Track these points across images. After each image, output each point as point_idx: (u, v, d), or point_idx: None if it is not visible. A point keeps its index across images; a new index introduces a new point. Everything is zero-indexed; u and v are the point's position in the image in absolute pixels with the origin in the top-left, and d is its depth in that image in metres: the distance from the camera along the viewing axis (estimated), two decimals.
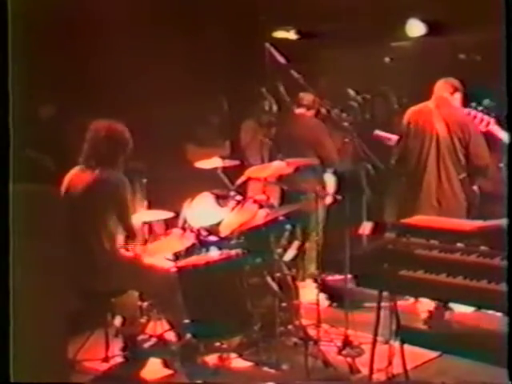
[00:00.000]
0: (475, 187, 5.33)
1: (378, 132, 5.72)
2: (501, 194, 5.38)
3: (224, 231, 4.89)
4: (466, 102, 5.23)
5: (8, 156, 3.41)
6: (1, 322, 3.34)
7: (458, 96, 5.30)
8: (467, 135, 5.11)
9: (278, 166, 4.79)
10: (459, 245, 3.58)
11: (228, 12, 6.44)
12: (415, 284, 3.55)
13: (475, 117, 4.91)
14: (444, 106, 5.27)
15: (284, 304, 4.67)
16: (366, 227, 3.97)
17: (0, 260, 3.34)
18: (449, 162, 5.17)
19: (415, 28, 6.62)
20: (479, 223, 3.69)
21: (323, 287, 5.26)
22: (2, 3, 3.35)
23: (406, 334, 4.00)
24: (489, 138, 5.03)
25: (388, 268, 3.57)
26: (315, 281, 5.16)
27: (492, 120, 4.82)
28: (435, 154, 5.18)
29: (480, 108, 4.88)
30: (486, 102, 5.02)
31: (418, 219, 3.94)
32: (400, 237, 3.72)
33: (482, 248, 3.52)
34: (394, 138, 5.54)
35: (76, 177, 4.54)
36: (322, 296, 5.32)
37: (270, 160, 5.16)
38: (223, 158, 5.30)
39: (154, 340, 4.69)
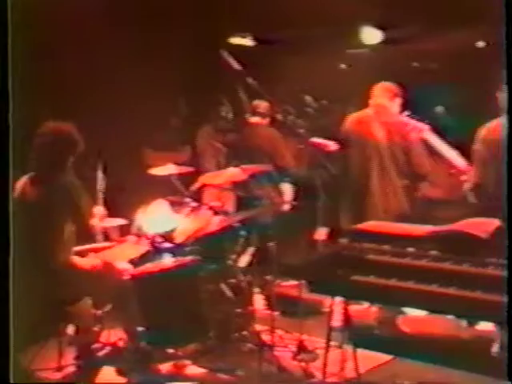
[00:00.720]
0: (418, 193, 5.35)
1: (314, 139, 5.68)
2: (451, 199, 5.52)
3: (179, 238, 4.88)
4: (405, 108, 5.21)
5: None
6: None
7: (397, 102, 5.23)
8: (407, 142, 5.07)
9: (233, 173, 4.80)
10: (410, 249, 3.63)
11: (187, 17, 6.43)
12: (367, 289, 3.58)
13: (408, 124, 4.92)
14: (383, 113, 5.21)
15: (239, 310, 4.67)
16: (322, 233, 3.99)
17: None
18: (391, 169, 5.15)
19: (370, 35, 6.69)
20: (430, 228, 3.74)
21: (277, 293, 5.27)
22: None
23: (360, 339, 4.03)
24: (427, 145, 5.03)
25: (341, 273, 3.59)
26: (268, 287, 5.17)
27: (426, 127, 4.83)
28: (377, 161, 5.16)
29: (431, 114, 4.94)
30: (439, 108, 5.08)
31: (370, 225, 3.97)
32: (353, 242, 3.75)
33: (433, 252, 3.58)
34: (333, 145, 5.44)
35: (26, 185, 4.47)
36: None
37: (226, 167, 5.16)
38: (178, 164, 5.27)
39: (108, 348, 4.64)
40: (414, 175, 5.20)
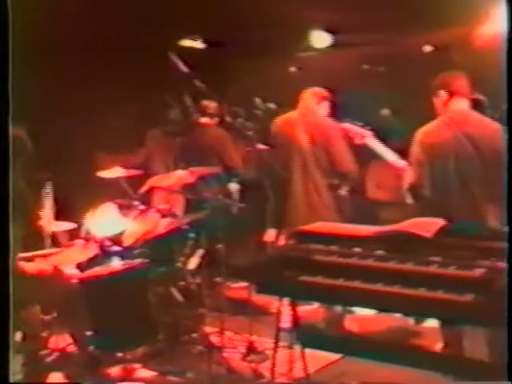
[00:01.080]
0: (343, 193, 5.44)
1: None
2: (392, 201, 5.62)
3: (127, 241, 4.85)
4: (334, 111, 5.33)
5: None
6: None
7: (325, 105, 5.33)
8: (330, 144, 5.15)
9: (181, 175, 4.80)
10: (356, 249, 3.68)
11: (137, 19, 6.40)
12: (315, 289, 3.61)
13: (351, 130, 5.00)
14: (308, 115, 5.29)
15: (188, 312, 4.67)
16: (271, 234, 4.01)
17: None
18: (314, 170, 5.20)
19: (320, 39, 6.76)
20: (376, 228, 3.79)
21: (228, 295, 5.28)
22: None
23: (308, 339, 4.06)
24: (366, 150, 5.07)
25: (288, 274, 3.62)
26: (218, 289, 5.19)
27: (369, 133, 4.91)
28: (300, 163, 5.20)
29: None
30: (385, 111, 5.14)
31: (318, 226, 4.01)
32: (300, 243, 3.79)
33: (378, 252, 3.63)
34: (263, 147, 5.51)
35: None
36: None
37: (175, 169, 5.15)
38: (126, 167, 5.24)
39: (56, 354, 4.58)
40: (339, 175, 5.27)
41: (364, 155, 5.30)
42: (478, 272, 3.29)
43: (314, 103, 5.31)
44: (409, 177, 4.39)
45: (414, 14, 5.95)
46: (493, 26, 5.28)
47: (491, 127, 4.17)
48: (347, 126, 4.77)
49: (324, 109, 5.32)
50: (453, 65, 5.69)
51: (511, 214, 3.32)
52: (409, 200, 4.39)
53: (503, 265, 3.28)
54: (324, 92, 5.36)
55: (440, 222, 3.71)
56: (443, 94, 4.31)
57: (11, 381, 3.41)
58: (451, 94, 4.30)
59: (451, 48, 6.67)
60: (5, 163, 3.41)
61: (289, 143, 5.25)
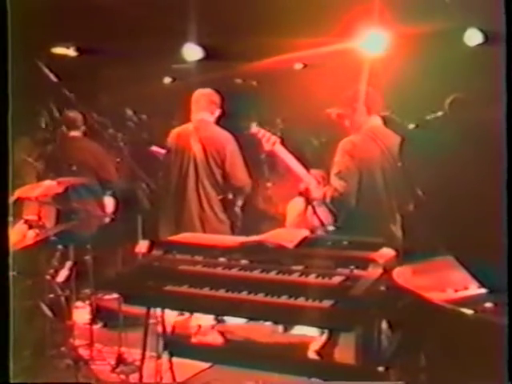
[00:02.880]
0: (237, 207, 5.53)
1: (153, 147, 5.74)
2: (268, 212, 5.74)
3: None
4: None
5: None
6: None
7: (217, 113, 5.35)
8: (223, 155, 5.20)
9: (49, 185, 4.72)
10: (222, 259, 3.77)
11: (11, 25, 6.21)
12: (181, 299, 3.67)
13: (259, 134, 5.01)
14: (202, 127, 5.31)
15: (57, 326, 4.60)
16: (143, 246, 4.02)
17: None
18: (207, 182, 5.22)
19: (192, 52, 6.81)
20: (241, 239, 3.91)
21: (97, 307, 5.23)
22: None
23: (177, 348, 4.11)
24: (273, 157, 5.12)
25: (153, 284, 3.65)
26: (88, 301, 5.13)
27: (277, 139, 4.93)
28: (193, 175, 5.22)
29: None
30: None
31: (184, 236, 4.08)
32: (167, 254, 3.84)
33: (243, 262, 3.74)
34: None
35: None
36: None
37: (44, 179, 5.05)
38: None
39: None
40: (232, 188, 5.31)
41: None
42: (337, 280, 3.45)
43: (208, 114, 5.31)
44: (331, 187, 4.42)
45: (286, 33, 6.11)
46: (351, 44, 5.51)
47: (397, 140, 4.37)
48: (255, 129, 4.66)
49: (215, 117, 5.33)
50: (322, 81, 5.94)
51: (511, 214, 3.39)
52: (332, 209, 4.45)
53: (360, 273, 3.48)
54: (217, 97, 5.36)
55: (303, 233, 3.87)
56: (362, 108, 4.47)
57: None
58: (369, 110, 4.49)
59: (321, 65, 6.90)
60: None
61: (183, 155, 5.25)
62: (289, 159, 4.48)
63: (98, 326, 5.20)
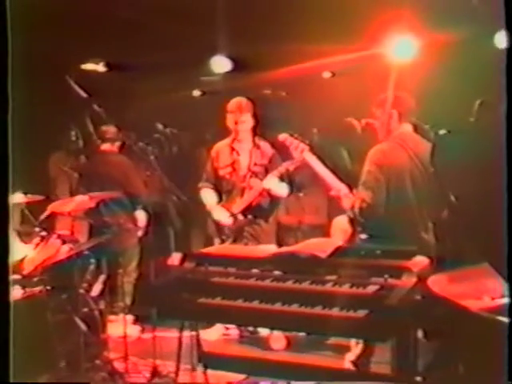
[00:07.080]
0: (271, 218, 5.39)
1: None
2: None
3: (27, 268, 4.76)
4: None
5: None
6: None
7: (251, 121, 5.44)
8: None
9: (81, 201, 4.77)
10: (254, 271, 3.76)
11: (37, 41, 6.29)
12: (214, 311, 3.67)
13: (287, 142, 4.99)
14: (243, 141, 5.40)
15: (91, 339, 4.62)
16: (175, 258, 4.03)
17: None
18: None
19: (220, 64, 6.83)
20: (274, 249, 3.90)
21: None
22: None
23: (211, 360, 4.10)
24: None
25: (187, 297, 3.66)
26: (126, 314, 5.15)
27: (307, 147, 4.89)
28: None
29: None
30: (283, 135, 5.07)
31: (216, 248, 4.09)
32: (199, 266, 3.84)
33: (276, 273, 3.72)
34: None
35: None
36: (135, 328, 5.35)
37: (77, 194, 5.11)
38: (26, 192, 5.14)
39: None
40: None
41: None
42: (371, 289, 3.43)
43: (246, 126, 5.40)
44: (361, 197, 4.32)
45: (313, 41, 6.11)
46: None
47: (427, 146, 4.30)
48: (284, 136, 4.59)
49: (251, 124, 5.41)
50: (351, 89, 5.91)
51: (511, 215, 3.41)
52: (360, 220, 4.40)
53: (395, 282, 3.44)
54: (246, 102, 5.46)
55: (335, 243, 3.84)
56: (394, 114, 4.42)
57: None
58: (400, 117, 4.43)
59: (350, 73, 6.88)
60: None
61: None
62: (319, 167, 4.40)
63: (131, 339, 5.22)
